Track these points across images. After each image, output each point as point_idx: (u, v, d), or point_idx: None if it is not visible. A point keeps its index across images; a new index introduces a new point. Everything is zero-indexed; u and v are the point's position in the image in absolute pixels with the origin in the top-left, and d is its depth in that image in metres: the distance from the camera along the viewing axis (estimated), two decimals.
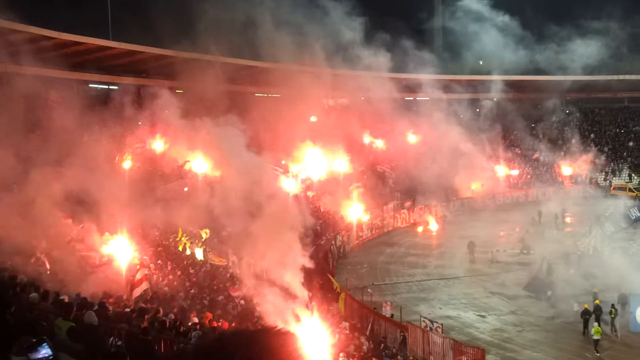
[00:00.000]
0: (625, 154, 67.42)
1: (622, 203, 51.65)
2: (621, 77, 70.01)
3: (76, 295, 18.05)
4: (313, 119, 55.45)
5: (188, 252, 32.26)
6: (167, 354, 15.77)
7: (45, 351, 8.13)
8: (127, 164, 37.98)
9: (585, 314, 27.57)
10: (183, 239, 32.92)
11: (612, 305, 27.97)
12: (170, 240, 32.91)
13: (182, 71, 48.12)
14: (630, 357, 25.93)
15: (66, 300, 16.02)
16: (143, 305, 20.41)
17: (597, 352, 25.74)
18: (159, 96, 42.52)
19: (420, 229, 48.57)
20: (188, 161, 41.20)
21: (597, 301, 28.59)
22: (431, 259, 40.99)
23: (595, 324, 26.42)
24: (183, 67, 47.71)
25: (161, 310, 20.12)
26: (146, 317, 18.55)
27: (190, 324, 19.92)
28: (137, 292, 22.31)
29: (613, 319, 27.70)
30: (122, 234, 25.03)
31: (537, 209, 50.00)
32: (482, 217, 51.78)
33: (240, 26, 48.23)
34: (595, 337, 25.86)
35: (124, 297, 21.36)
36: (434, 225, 48.79)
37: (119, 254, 24.39)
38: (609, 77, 69.94)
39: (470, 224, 49.42)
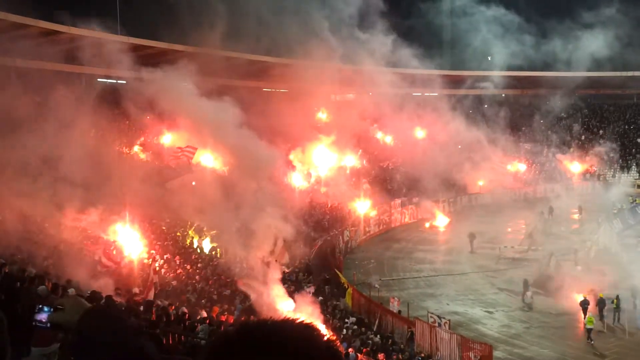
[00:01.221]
0: (634, 150, 67.06)
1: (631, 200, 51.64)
2: (630, 73, 69.59)
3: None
4: (321, 114, 55.45)
5: (196, 244, 32.31)
6: (175, 347, 15.80)
7: (45, 315, 8.08)
8: (135, 157, 38.02)
9: (585, 303, 28.39)
10: (190, 232, 32.95)
11: (617, 297, 28.22)
12: (178, 234, 32.95)
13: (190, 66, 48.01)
14: (637, 355, 25.85)
15: (73, 293, 16.10)
16: (152, 299, 20.43)
17: (590, 340, 26.51)
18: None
19: (427, 224, 48.47)
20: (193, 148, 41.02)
21: (600, 294, 28.92)
22: (438, 254, 40.92)
23: (589, 314, 27.41)
24: (191, 62, 47.60)
25: (172, 305, 20.17)
26: (154, 310, 18.62)
27: (198, 317, 19.95)
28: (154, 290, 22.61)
29: (615, 309, 28.24)
30: (132, 228, 25.06)
31: (549, 205, 49.57)
32: (489, 212, 51.69)
33: (248, 21, 48.29)
34: (588, 326, 26.77)
35: (134, 290, 21.41)
36: (441, 221, 48.64)
37: (130, 249, 24.43)
38: (618, 74, 69.57)
39: (477, 220, 49.28)
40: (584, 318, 27.54)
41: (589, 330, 26.67)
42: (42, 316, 7.95)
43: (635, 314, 28.19)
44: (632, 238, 42.02)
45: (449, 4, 78.31)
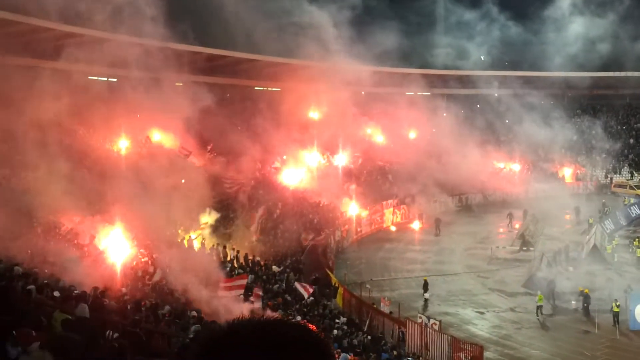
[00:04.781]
0: (626, 151, 67.15)
1: (623, 201, 51.88)
2: (623, 74, 69.74)
3: (69, 286, 17.93)
4: (313, 113, 55.30)
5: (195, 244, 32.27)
6: (164, 347, 15.69)
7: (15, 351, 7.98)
8: (126, 156, 37.85)
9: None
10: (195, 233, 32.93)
11: (616, 300, 28.35)
12: (168, 233, 32.74)
13: (181, 64, 47.78)
14: (628, 356, 25.87)
15: (57, 294, 15.98)
16: (141, 299, 20.29)
17: (538, 316, 29.20)
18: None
19: (418, 225, 48.21)
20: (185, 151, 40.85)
21: (586, 290, 29.61)
22: (430, 254, 40.84)
23: (538, 292, 29.78)
24: (182, 61, 47.40)
25: (159, 304, 20.05)
26: (142, 309, 18.49)
27: (188, 317, 19.84)
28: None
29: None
30: (119, 226, 24.94)
31: (524, 209, 49.06)
32: (481, 213, 51.76)
33: (239, 19, 48.09)
34: (539, 303, 29.35)
35: (123, 289, 21.28)
36: (417, 225, 47.92)
37: (115, 247, 24.31)
38: (611, 74, 69.74)
39: (469, 220, 49.36)
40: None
41: (538, 307, 29.29)
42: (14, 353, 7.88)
43: (626, 315, 28.22)
44: (625, 239, 42.19)
45: (442, 3, 78.40)
